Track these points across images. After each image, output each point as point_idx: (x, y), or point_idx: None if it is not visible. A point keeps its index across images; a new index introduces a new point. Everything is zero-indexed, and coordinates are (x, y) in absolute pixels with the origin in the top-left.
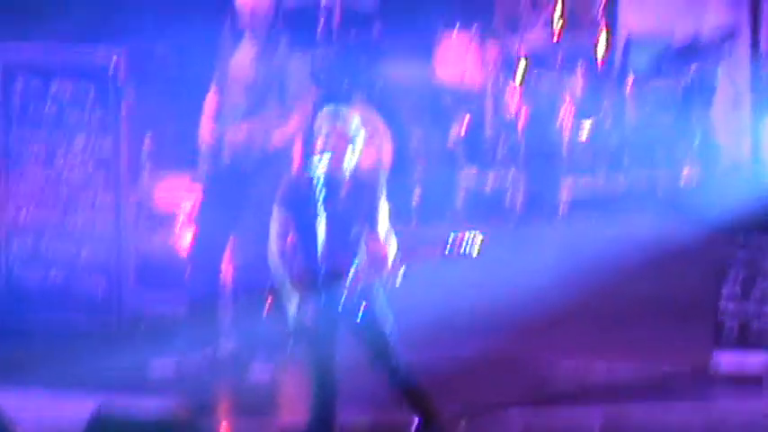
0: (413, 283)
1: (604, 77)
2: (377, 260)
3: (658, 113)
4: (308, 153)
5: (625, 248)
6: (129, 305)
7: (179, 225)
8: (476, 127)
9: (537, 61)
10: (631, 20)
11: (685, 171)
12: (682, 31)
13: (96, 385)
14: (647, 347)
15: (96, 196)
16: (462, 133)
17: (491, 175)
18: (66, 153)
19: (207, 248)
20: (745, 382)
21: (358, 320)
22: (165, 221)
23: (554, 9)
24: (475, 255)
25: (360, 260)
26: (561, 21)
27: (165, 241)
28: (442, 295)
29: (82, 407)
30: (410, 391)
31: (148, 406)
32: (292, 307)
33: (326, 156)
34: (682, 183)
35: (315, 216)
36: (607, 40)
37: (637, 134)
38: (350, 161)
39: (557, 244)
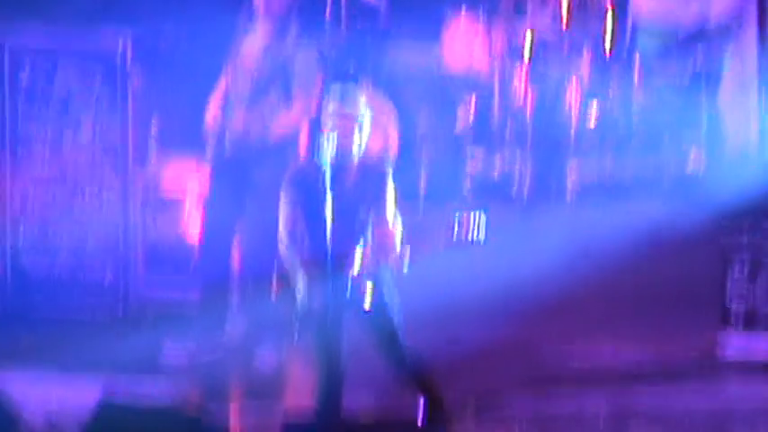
0: (420, 267)
1: (612, 62)
2: (384, 245)
3: (665, 99)
4: (314, 137)
5: (632, 233)
6: (136, 290)
7: (187, 210)
8: (483, 111)
9: (544, 45)
10: (639, 5)
11: (692, 156)
12: (689, 16)
13: (103, 371)
14: (653, 333)
15: (103, 181)
16: (469, 117)
17: (498, 160)
18: (73, 137)
19: (215, 234)
20: (752, 368)
21: (365, 305)
22: (172, 206)
23: None
24: (482, 241)
25: (367, 245)
26: (569, 5)
27: (173, 226)
28: (449, 280)
29: (89, 393)
30: (417, 377)
31: (155, 391)
32: (300, 292)
33: (333, 139)
34: (688, 168)
35: (322, 201)
36: (614, 24)
37: (644, 119)
38: (357, 144)
39: (563, 229)
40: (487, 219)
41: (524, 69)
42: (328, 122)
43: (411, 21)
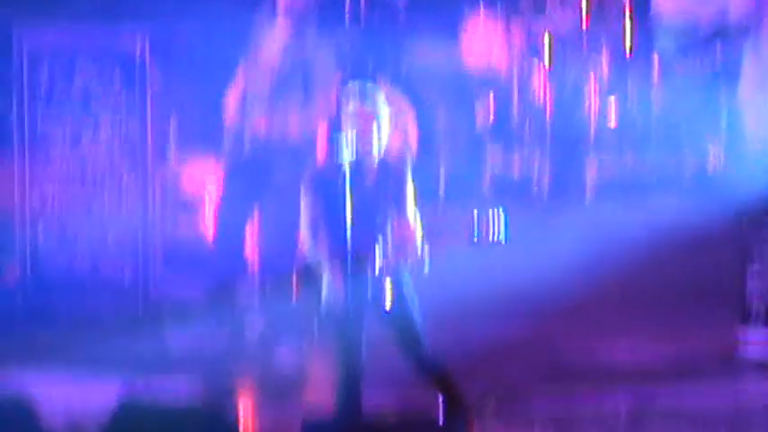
0: (439, 266)
1: (631, 60)
2: (404, 244)
3: (685, 96)
4: (334, 137)
5: (651, 231)
6: (155, 288)
7: (206, 208)
8: (502, 109)
9: (563, 43)
10: (658, 3)
11: (711, 154)
12: (708, 14)
13: (123, 369)
14: (673, 330)
15: (122, 179)
16: (488, 116)
17: (517, 158)
18: (92, 136)
19: (228, 232)
20: None
21: (385, 304)
22: (192, 205)
23: None
24: (502, 240)
25: (387, 244)
26: (588, 3)
27: (192, 224)
28: (468, 279)
29: (108, 391)
30: (436, 375)
31: (175, 390)
32: (320, 292)
33: (353, 139)
34: (708, 166)
35: (342, 201)
36: (633, 22)
37: (663, 117)
38: (376, 143)
39: (582, 227)
40: (507, 217)
41: (543, 68)
42: (347, 122)
43: (430, 19)
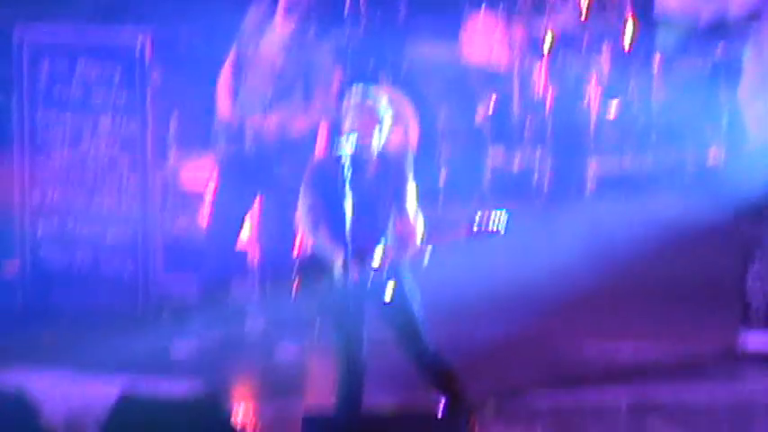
0: (440, 262)
1: (631, 57)
2: (404, 240)
3: (685, 93)
4: (334, 134)
5: (652, 228)
6: (155, 287)
7: (205, 206)
8: (502, 107)
9: (564, 40)
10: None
11: (712, 151)
12: (708, 10)
13: (122, 367)
14: (673, 327)
15: (122, 177)
16: (489, 113)
17: (518, 155)
18: (92, 134)
19: (225, 227)
20: None
21: (386, 301)
22: (191, 202)
23: None
24: (502, 232)
25: (387, 240)
26: (588, 0)
27: (192, 222)
28: (469, 275)
29: (108, 389)
30: (438, 372)
31: (175, 388)
32: (320, 287)
33: (354, 135)
34: (709, 162)
35: (342, 196)
36: (634, 19)
37: (664, 114)
38: (377, 141)
39: (583, 224)
40: (507, 214)
41: (544, 65)
42: (348, 119)
43: (431, 17)
